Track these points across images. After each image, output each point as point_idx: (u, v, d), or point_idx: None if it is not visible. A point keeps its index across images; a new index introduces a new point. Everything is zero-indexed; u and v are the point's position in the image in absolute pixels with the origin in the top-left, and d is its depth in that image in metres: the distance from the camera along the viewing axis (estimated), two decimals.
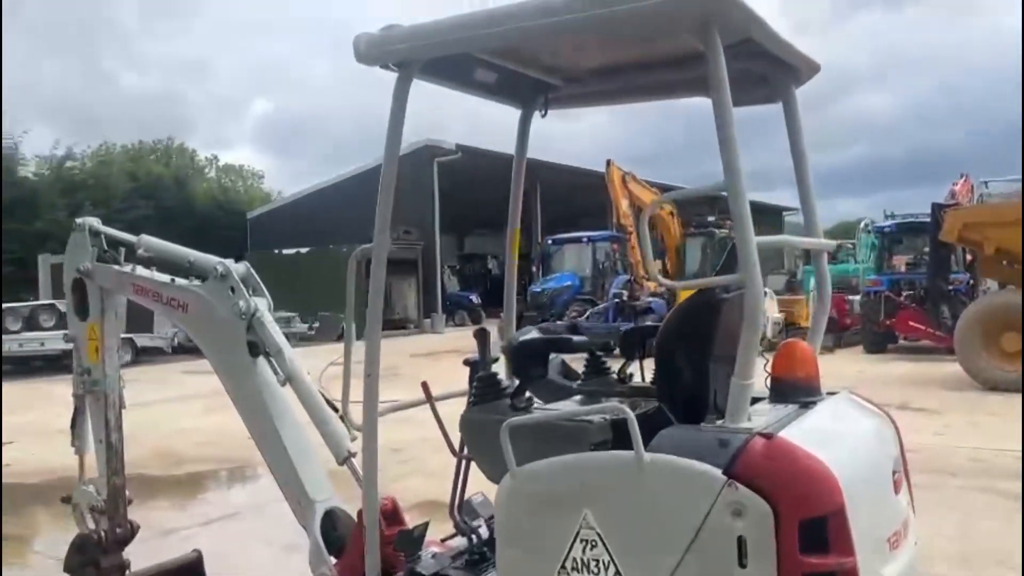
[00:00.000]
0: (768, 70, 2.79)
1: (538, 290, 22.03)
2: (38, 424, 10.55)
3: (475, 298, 33.33)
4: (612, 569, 2.21)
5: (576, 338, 3.07)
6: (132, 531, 4.32)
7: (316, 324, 27.35)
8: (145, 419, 9.74)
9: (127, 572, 4.30)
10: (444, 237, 34.19)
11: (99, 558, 4.18)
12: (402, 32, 2.60)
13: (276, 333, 3.64)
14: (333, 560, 3.31)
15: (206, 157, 52.18)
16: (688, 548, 2.09)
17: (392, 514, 3.22)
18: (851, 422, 2.49)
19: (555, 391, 3.14)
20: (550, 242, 24.36)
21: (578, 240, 23.62)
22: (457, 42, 2.54)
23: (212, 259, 3.81)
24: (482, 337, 3.02)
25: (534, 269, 23.63)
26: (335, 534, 3.38)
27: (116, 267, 4.11)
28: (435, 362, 17.23)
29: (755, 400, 2.56)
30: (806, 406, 2.50)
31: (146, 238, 4.18)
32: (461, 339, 26.15)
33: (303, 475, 3.47)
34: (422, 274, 30.53)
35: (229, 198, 38.45)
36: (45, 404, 12.20)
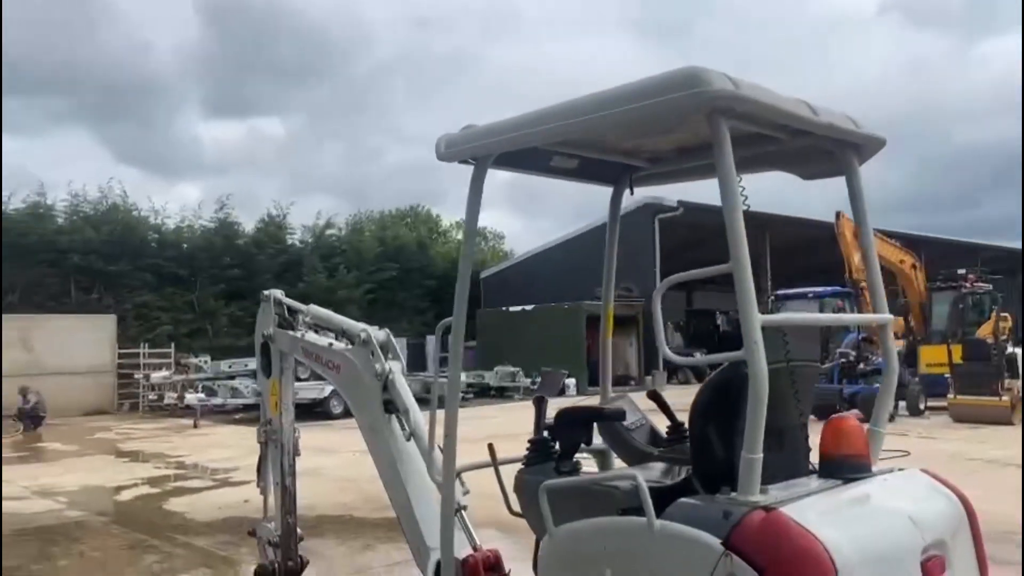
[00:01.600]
0: (833, 145, 2.83)
1: None
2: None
3: (699, 355, 32.69)
4: None
5: (609, 408, 3.24)
6: (302, 565, 4.92)
7: (539, 379, 28.20)
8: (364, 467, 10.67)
9: None
10: (671, 293, 33.98)
11: None
12: (476, 131, 2.96)
13: (407, 395, 4.08)
14: None
15: (454, 221, 56.00)
16: None
17: (495, 565, 3.49)
18: (886, 501, 2.42)
19: (638, 456, 3.28)
20: (772, 298, 23.50)
21: (803, 296, 22.59)
22: (518, 138, 2.84)
23: (358, 326, 4.35)
24: (539, 404, 3.25)
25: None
26: None
27: (291, 332, 4.79)
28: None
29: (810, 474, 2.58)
30: (849, 482, 2.48)
31: (313, 308, 4.84)
32: (682, 396, 25.75)
33: (423, 524, 3.82)
34: (643, 331, 30.52)
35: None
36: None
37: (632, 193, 3.57)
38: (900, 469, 2.69)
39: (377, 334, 4.24)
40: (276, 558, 4.84)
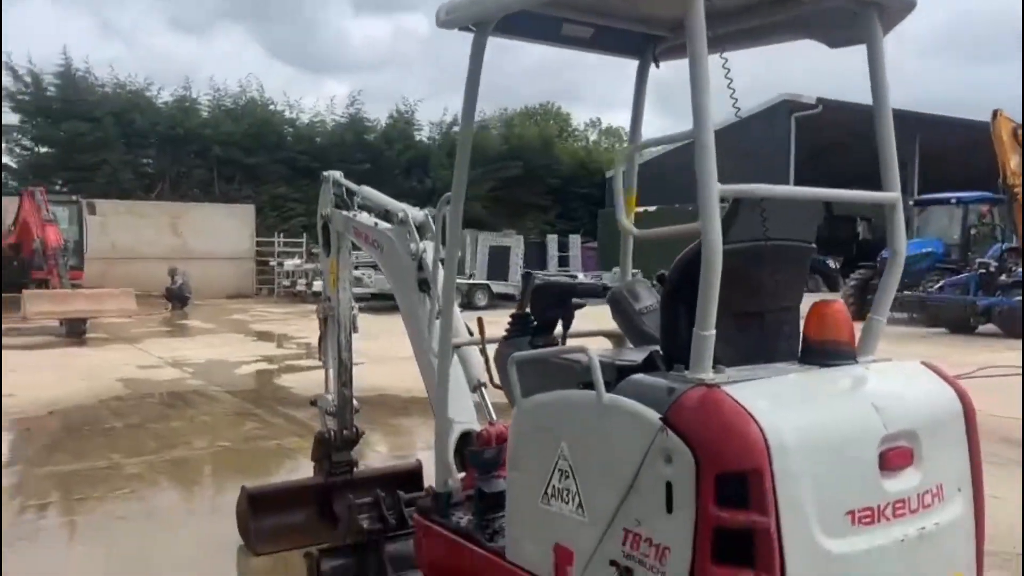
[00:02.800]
0: (856, 7, 2.56)
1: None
2: (379, 351, 12.40)
3: (832, 263, 31.20)
4: (577, 500, 2.33)
5: (583, 284, 3.12)
6: (358, 435, 5.18)
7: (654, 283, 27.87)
8: None
9: (354, 468, 5.18)
10: None
11: (331, 453, 5.10)
12: None
13: (438, 275, 4.13)
14: (461, 475, 3.74)
15: (588, 119, 55.11)
16: (630, 487, 2.15)
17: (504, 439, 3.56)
18: (853, 388, 2.27)
19: (644, 339, 3.21)
20: (912, 203, 21.95)
21: (945, 201, 20.95)
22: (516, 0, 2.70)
23: (400, 206, 4.39)
24: (525, 280, 3.21)
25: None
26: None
27: (345, 212, 4.91)
28: None
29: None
30: (826, 368, 2.35)
31: (365, 188, 4.92)
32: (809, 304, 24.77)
33: (449, 397, 3.93)
34: None
35: (593, 158, 40.23)
36: (389, 335, 14.27)
37: (658, 66, 3.36)
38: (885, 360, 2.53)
39: (416, 214, 4.28)
40: (333, 427, 5.11)
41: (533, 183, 35.20)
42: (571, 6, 2.88)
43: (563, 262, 30.72)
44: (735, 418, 1.98)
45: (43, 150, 28.49)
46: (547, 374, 2.60)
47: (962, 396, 2.42)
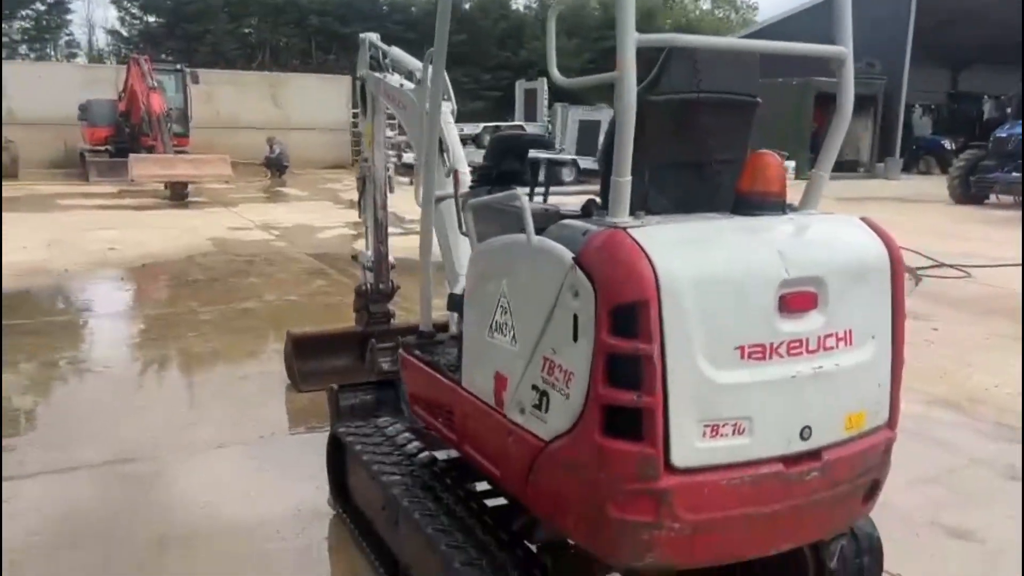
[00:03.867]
0: None
1: (1004, 135, 18.81)
2: None
3: (948, 143, 29.38)
4: (512, 333, 2.55)
5: (533, 133, 3.20)
6: (393, 289, 5.52)
7: None
8: None
9: (391, 320, 5.56)
10: (931, 72, 30.24)
11: (369, 305, 5.48)
12: None
13: (453, 134, 4.28)
14: None
15: None
16: (548, 320, 2.35)
17: None
18: (763, 235, 2.34)
19: None
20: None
21: None
22: None
23: (419, 64, 4.52)
24: (494, 134, 3.34)
25: (1008, 110, 20.10)
26: None
27: (376, 74, 5.07)
28: (861, 207, 16.03)
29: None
30: (752, 217, 2.44)
31: (394, 50, 5.05)
32: (915, 187, 23.70)
33: (456, 253, 4.16)
34: (881, 113, 27.81)
35: (702, 27, 38.53)
36: None
37: None
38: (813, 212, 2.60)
39: None
40: (371, 280, 5.46)
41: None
42: None
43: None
44: (629, 255, 2.13)
45: (151, 19, 29.37)
46: (499, 221, 2.77)
47: (892, 251, 2.47)
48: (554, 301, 2.32)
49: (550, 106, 26.85)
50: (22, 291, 8.02)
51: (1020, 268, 9.32)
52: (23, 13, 28.47)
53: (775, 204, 2.48)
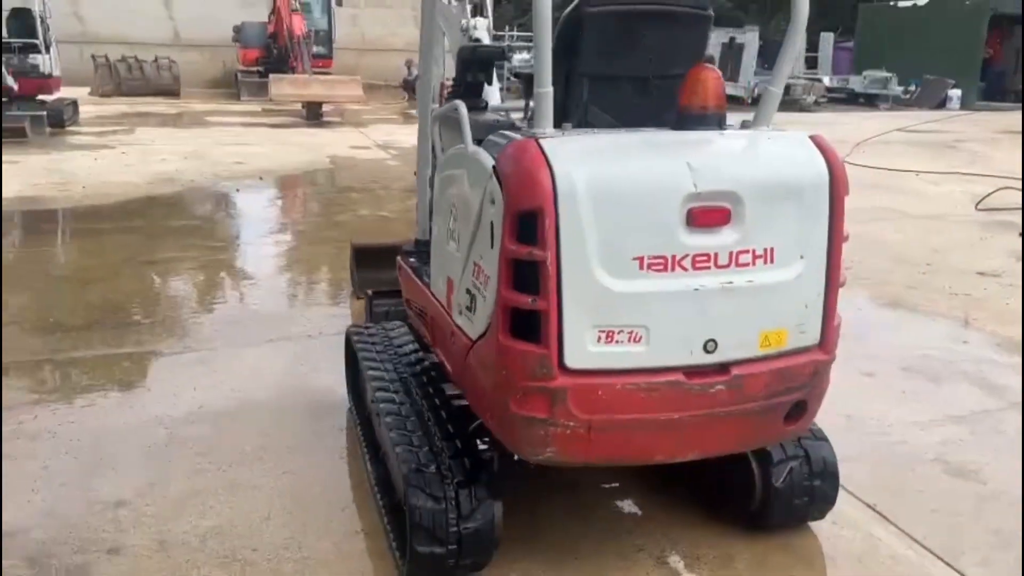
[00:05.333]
0: None
1: None
2: None
3: None
4: (457, 239, 2.68)
5: (494, 45, 3.20)
6: None
7: (913, 87, 25.01)
8: None
9: None
10: None
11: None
12: None
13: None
14: None
15: None
16: (476, 226, 2.47)
17: None
18: (678, 149, 2.32)
19: None
20: None
21: None
22: None
23: None
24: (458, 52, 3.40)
25: None
26: None
27: None
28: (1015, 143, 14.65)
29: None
30: (687, 131, 2.44)
31: None
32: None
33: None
34: None
35: None
36: None
37: None
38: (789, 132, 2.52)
39: None
40: None
41: None
42: None
43: (810, 64, 28.28)
44: (532, 165, 2.20)
45: None
46: (457, 131, 2.88)
47: (834, 170, 2.40)
48: (479, 208, 2.43)
49: None
50: (147, 197, 8.83)
51: None
52: None
53: (712, 118, 2.46)
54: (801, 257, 2.38)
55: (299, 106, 17.54)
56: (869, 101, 25.40)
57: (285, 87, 16.71)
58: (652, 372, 2.29)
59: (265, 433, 3.64)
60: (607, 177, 2.22)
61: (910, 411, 4.01)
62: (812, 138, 2.47)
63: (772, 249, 2.34)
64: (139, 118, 16.48)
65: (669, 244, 2.24)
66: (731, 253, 2.29)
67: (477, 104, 3.22)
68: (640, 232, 2.22)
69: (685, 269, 2.26)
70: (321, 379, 4.22)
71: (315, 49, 20.83)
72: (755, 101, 18.28)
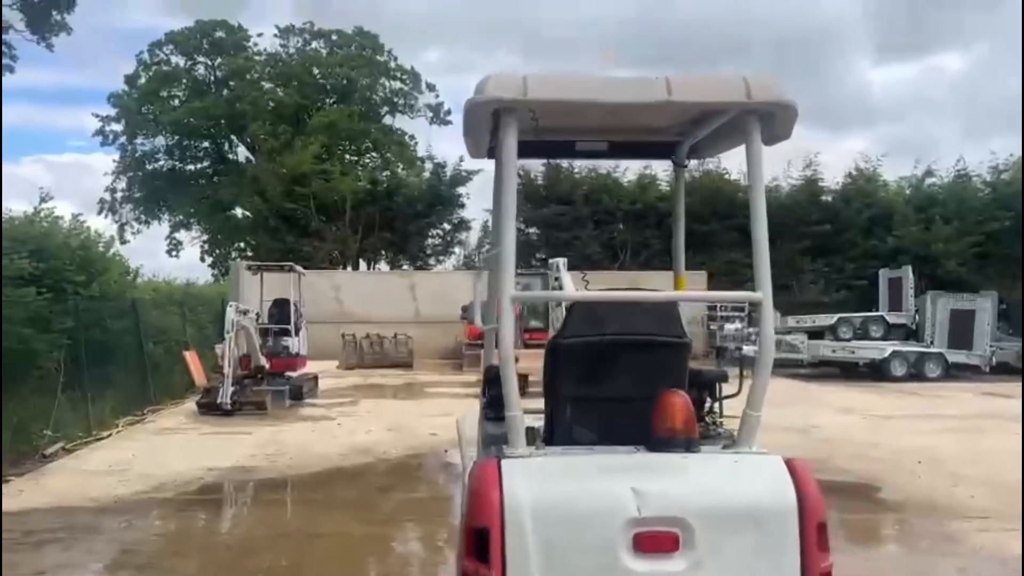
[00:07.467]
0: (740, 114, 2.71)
1: None
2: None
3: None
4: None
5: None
6: None
7: None
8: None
9: None
10: None
11: None
12: None
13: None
14: None
15: None
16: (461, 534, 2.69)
17: None
18: (624, 473, 2.39)
19: None
20: None
21: None
22: None
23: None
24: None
25: None
26: None
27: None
28: None
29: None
30: (656, 453, 2.56)
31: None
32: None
33: None
34: None
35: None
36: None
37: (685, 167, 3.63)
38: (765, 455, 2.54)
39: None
40: None
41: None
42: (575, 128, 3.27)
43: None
44: (484, 485, 2.43)
45: (531, 230, 33.55)
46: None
47: (805, 497, 2.38)
48: (461, 516, 2.66)
49: (917, 295, 24.92)
50: (336, 468, 9.67)
51: None
52: (433, 232, 34.74)
53: (680, 441, 2.56)
54: None
55: None
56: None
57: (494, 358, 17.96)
58: None
59: None
60: (551, 499, 2.39)
61: None
62: (788, 462, 2.48)
63: None
64: (368, 389, 18.29)
65: (612, 568, 2.31)
66: None
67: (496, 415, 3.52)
68: (584, 554, 2.33)
69: None
70: None
71: (531, 323, 22.38)
72: (993, 370, 16.95)
